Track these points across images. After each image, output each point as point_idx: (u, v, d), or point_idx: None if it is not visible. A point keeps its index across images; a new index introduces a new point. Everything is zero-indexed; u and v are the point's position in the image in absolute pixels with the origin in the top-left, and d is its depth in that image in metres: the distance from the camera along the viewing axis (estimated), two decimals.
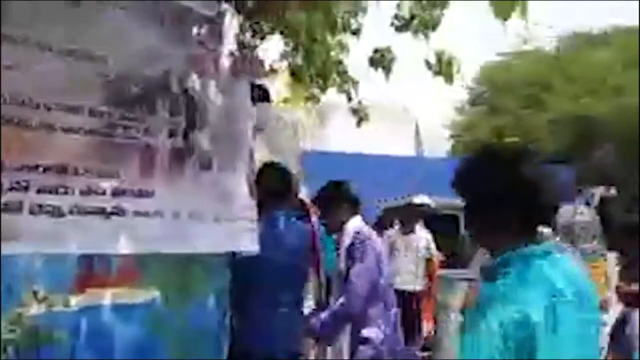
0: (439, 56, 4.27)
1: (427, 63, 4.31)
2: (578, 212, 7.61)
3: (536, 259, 1.40)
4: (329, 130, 34.44)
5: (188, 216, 2.13)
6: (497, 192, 1.43)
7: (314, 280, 3.72)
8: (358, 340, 2.94)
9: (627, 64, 19.67)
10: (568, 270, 1.42)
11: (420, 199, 6.26)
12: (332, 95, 5.55)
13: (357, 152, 20.18)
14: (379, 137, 32.40)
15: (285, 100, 5.82)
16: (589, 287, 1.45)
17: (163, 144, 2.11)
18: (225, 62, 2.29)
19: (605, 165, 19.74)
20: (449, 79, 4.28)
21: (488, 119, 24.17)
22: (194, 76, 2.18)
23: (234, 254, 2.37)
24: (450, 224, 6.27)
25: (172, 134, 2.13)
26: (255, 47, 4.91)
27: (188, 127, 2.15)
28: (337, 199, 3.22)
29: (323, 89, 5.05)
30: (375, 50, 4.58)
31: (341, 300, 2.97)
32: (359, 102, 5.35)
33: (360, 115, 5.39)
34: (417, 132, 38.30)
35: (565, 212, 7.41)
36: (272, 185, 2.87)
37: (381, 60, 4.61)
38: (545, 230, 3.39)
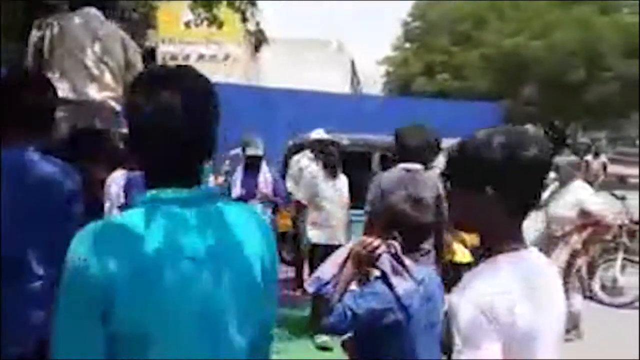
0: None
1: None
2: None
3: (138, 204, 1.20)
4: (263, 64, 33.34)
5: None
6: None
7: None
8: None
9: (559, 3, 19.68)
10: (152, 226, 1.16)
11: (317, 133, 5.87)
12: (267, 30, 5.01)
13: (288, 88, 19.61)
14: (313, 72, 31.81)
15: (187, 24, 5.18)
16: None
17: None
18: None
19: (532, 105, 20.10)
20: None
21: (420, 55, 23.94)
22: None
23: None
24: (362, 162, 5.91)
25: None
26: None
27: None
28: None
29: (206, 7, 4.52)
30: None
31: None
32: (257, 24, 4.84)
33: (258, 38, 4.90)
34: (353, 69, 37.99)
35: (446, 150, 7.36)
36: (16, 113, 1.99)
37: None
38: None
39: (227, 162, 14.43)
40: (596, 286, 6.18)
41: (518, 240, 1.32)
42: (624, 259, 6.18)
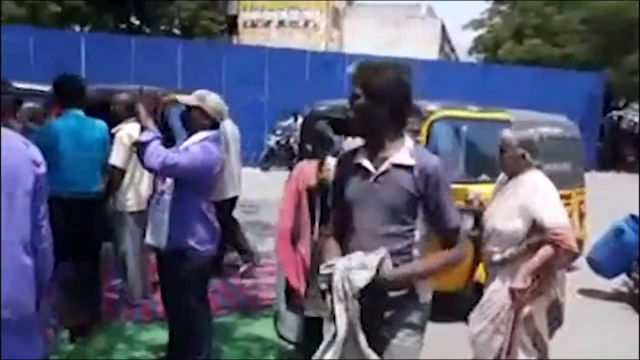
0: None
1: None
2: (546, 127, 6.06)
3: None
4: (346, 30, 32.48)
5: None
6: None
7: None
8: None
9: None
10: None
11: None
12: None
13: (369, 54, 18.62)
14: (398, 38, 30.65)
15: None
16: None
17: None
18: None
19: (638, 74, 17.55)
20: None
21: (511, 18, 21.74)
22: None
23: None
24: None
25: None
26: None
27: None
28: None
29: None
30: None
31: None
32: None
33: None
34: (444, 34, 35.82)
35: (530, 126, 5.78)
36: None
37: None
38: None
39: (279, 131, 13.81)
40: None
41: None
42: None
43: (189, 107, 2.84)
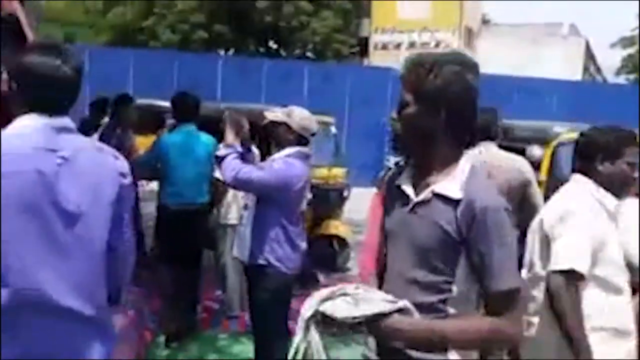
0: None
1: None
2: None
3: None
4: (481, 51, 31.54)
5: None
6: None
7: None
8: None
9: None
10: None
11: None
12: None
13: (509, 75, 17.92)
14: (537, 58, 29.10)
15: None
16: None
17: None
18: None
19: None
20: None
21: None
22: None
23: None
24: None
25: None
26: None
27: None
28: None
29: None
30: None
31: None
32: None
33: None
34: (588, 54, 33.28)
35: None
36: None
37: None
38: None
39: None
40: None
41: None
42: None
43: (277, 123, 2.86)
